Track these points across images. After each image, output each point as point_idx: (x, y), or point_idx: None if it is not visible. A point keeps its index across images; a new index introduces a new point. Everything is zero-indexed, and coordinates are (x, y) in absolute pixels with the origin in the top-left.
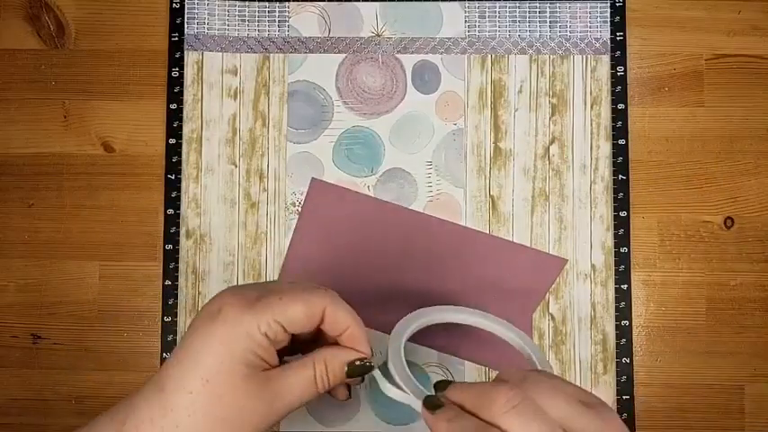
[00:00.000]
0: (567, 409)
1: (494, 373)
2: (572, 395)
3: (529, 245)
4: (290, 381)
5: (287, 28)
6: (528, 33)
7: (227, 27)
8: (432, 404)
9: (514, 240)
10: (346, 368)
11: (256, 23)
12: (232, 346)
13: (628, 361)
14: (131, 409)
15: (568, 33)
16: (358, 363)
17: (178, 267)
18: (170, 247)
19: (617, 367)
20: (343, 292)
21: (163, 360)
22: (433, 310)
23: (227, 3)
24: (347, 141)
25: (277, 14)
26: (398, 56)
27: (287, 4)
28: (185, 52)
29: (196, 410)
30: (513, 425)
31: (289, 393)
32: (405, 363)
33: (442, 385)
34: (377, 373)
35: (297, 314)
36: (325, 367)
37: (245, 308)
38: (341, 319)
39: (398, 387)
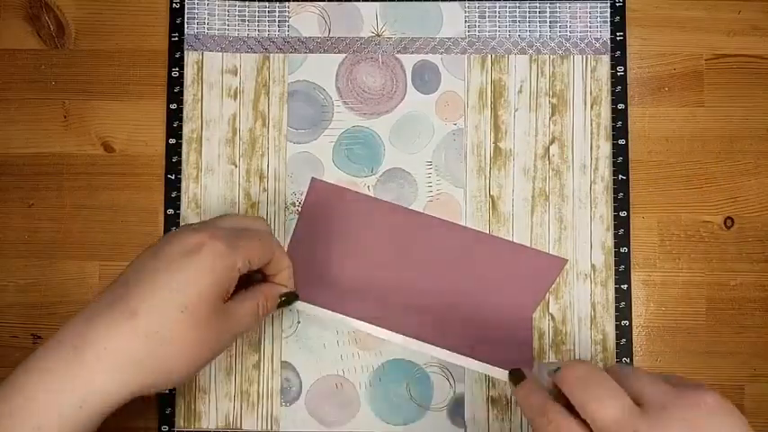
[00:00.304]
0: (642, 380)
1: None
2: (652, 374)
3: (529, 245)
4: (240, 312)
5: (287, 28)
6: (528, 33)
7: (227, 27)
8: (515, 377)
9: (514, 240)
10: (279, 299)
11: (256, 23)
12: (215, 278)
13: (628, 361)
14: (92, 333)
15: (568, 33)
16: (289, 297)
17: None
18: None
19: None
20: (344, 292)
21: None
22: None
23: (227, 3)
24: (347, 141)
25: (277, 14)
26: (398, 56)
27: (287, 4)
28: (185, 52)
29: (172, 338)
30: (582, 397)
31: (238, 323)
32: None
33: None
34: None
35: (264, 257)
36: (265, 300)
37: (226, 245)
38: (282, 261)
39: None
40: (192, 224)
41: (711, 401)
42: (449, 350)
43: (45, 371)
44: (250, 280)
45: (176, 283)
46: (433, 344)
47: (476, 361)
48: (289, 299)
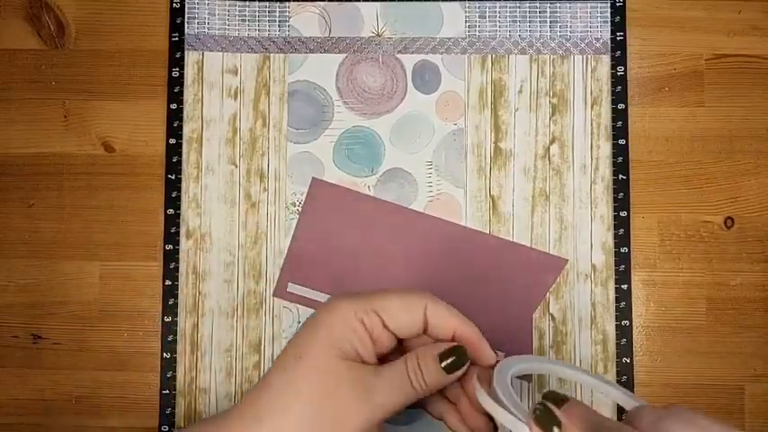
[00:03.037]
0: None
1: None
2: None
3: (529, 245)
4: (382, 377)
5: (287, 28)
6: (528, 33)
7: (227, 27)
8: (546, 421)
9: (515, 240)
10: (438, 359)
11: (257, 23)
12: (330, 330)
13: (628, 361)
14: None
15: (569, 33)
16: (452, 356)
17: (178, 267)
18: (170, 247)
19: (617, 367)
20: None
21: (163, 360)
22: (543, 360)
23: (227, 3)
24: (347, 141)
25: (277, 14)
26: (399, 56)
27: (287, 4)
28: (185, 52)
29: (299, 410)
30: None
31: (383, 391)
32: (511, 389)
33: (552, 397)
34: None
35: (394, 306)
36: (416, 360)
37: (345, 297)
38: (444, 318)
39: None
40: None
41: None
42: None
43: None
44: None
45: (292, 374)
46: None
47: None
48: (456, 356)
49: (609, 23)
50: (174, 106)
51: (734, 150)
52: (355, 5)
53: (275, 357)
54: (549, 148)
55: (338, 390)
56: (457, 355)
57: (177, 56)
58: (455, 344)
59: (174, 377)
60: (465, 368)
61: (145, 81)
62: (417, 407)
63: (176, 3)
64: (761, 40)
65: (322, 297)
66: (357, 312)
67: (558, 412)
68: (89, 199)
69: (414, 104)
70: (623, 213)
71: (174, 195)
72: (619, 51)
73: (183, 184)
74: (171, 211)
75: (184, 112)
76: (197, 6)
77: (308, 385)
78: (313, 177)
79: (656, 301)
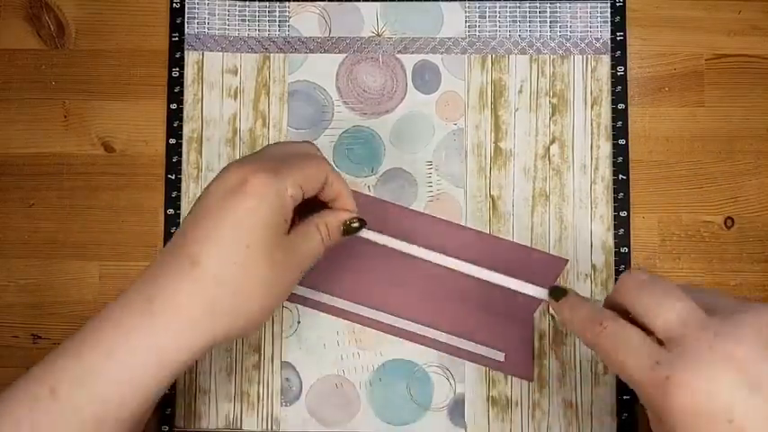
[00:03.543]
0: (710, 292)
1: (494, 373)
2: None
3: (529, 245)
4: (303, 243)
5: (287, 28)
6: (528, 33)
7: (227, 27)
8: (557, 292)
9: (515, 240)
10: (342, 227)
11: (257, 23)
12: (267, 209)
13: None
14: (157, 287)
15: (569, 33)
16: (353, 223)
17: None
18: None
19: None
20: (343, 292)
21: None
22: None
23: (227, 3)
24: (347, 141)
25: (277, 14)
26: (399, 56)
27: (287, 4)
28: (185, 52)
29: (238, 280)
30: (644, 302)
31: (303, 255)
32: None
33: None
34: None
35: (316, 180)
36: (327, 228)
37: (270, 174)
38: (337, 184)
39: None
40: (238, 159)
41: None
42: (447, 352)
43: (119, 327)
44: (312, 212)
45: (229, 222)
46: (431, 346)
47: (477, 344)
48: (352, 225)
49: (609, 23)
50: (174, 106)
51: (734, 150)
52: (355, 5)
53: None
54: (549, 148)
55: (278, 266)
56: (357, 228)
57: (177, 56)
58: (355, 216)
59: None
60: (357, 233)
61: (145, 81)
62: None
63: (176, 3)
64: (761, 40)
65: (322, 297)
66: (288, 189)
67: (566, 288)
68: (89, 199)
69: (414, 104)
70: (623, 213)
71: (174, 195)
72: (619, 51)
73: (183, 184)
74: (171, 211)
75: (184, 112)
76: (197, 6)
77: (259, 274)
78: None
79: None
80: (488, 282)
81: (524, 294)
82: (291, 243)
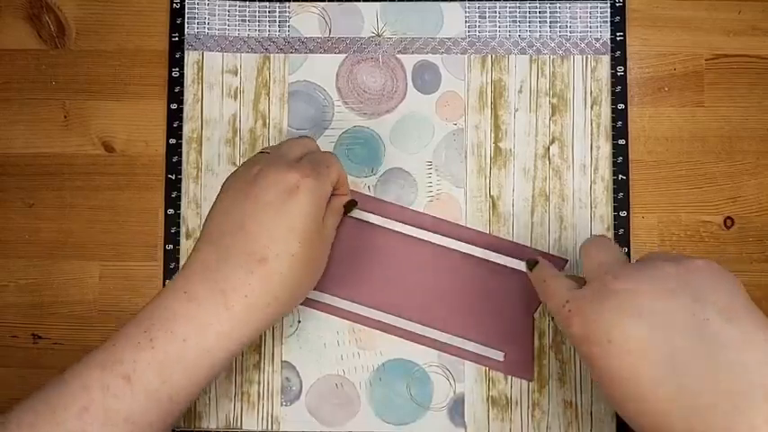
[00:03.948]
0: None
1: (494, 373)
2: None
3: (529, 245)
4: (329, 227)
5: (287, 28)
6: (528, 33)
7: (227, 27)
8: (530, 263)
9: (515, 240)
10: (343, 208)
11: (257, 23)
12: (316, 210)
13: None
14: (227, 281)
15: (568, 33)
16: (351, 204)
17: (178, 267)
18: (170, 247)
19: None
20: (344, 292)
21: None
22: None
23: (227, 3)
24: (347, 141)
25: (277, 14)
26: (399, 56)
27: (287, 4)
28: (185, 52)
29: (297, 271)
30: (585, 252)
31: (329, 237)
32: None
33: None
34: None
35: (339, 174)
36: (336, 211)
37: (315, 178)
38: (343, 177)
39: None
40: (262, 156)
41: (702, 263)
42: (447, 352)
43: (194, 319)
44: None
45: (287, 222)
46: (431, 346)
47: (477, 344)
48: (350, 206)
49: (609, 23)
50: (174, 106)
51: (734, 150)
52: (355, 5)
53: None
54: (548, 148)
55: (320, 251)
56: (352, 205)
57: (177, 56)
58: (351, 198)
59: None
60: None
61: (145, 81)
62: None
63: (176, 3)
64: (761, 40)
65: (322, 297)
66: (328, 191)
67: (538, 259)
68: (89, 199)
69: (414, 104)
70: (623, 213)
71: (174, 195)
72: (619, 51)
73: (183, 184)
74: (171, 211)
75: (184, 112)
76: (197, 6)
77: (312, 263)
78: None
79: None
80: (486, 282)
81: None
82: (323, 227)
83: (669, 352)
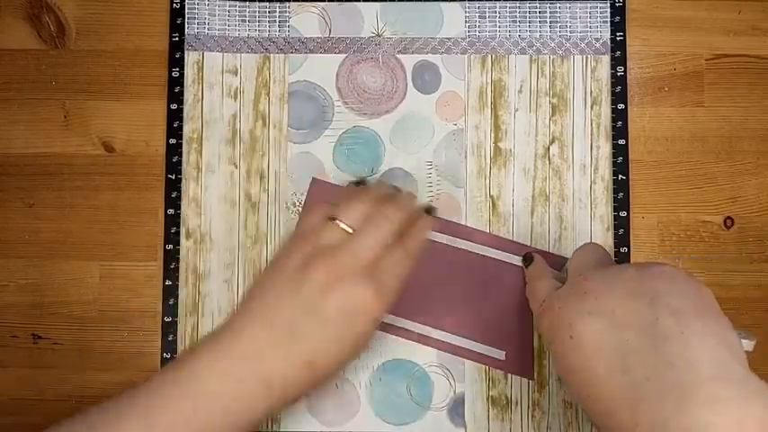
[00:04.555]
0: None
1: (494, 373)
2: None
3: (529, 245)
4: None
5: (287, 28)
6: (528, 33)
7: (227, 27)
8: (527, 259)
9: (515, 240)
10: None
11: (257, 23)
12: (374, 327)
13: None
14: (273, 370)
15: (568, 33)
16: None
17: (178, 267)
18: (170, 247)
19: None
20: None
21: (163, 360)
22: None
23: (227, 3)
24: (347, 141)
25: (277, 14)
26: (399, 56)
27: (287, 4)
28: (185, 52)
29: (338, 371)
30: (577, 253)
31: None
32: None
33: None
34: None
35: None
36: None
37: (388, 304)
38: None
39: None
40: (337, 243)
41: (666, 269)
42: (447, 351)
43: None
44: None
45: (349, 344)
46: (431, 345)
47: (478, 343)
48: None
49: (609, 23)
50: (174, 106)
51: (734, 150)
52: (355, 5)
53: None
54: (548, 148)
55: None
56: None
57: (177, 56)
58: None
59: None
60: None
61: (145, 81)
62: None
63: (176, 3)
64: (761, 40)
65: None
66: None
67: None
68: (89, 199)
69: (414, 104)
70: (623, 213)
71: (174, 195)
72: (619, 51)
73: (183, 184)
74: (171, 211)
75: (184, 112)
76: (197, 6)
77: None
78: (313, 177)
79: None
80: (486, 282)
81: (522, 293)
82: None
83: (621, 347)
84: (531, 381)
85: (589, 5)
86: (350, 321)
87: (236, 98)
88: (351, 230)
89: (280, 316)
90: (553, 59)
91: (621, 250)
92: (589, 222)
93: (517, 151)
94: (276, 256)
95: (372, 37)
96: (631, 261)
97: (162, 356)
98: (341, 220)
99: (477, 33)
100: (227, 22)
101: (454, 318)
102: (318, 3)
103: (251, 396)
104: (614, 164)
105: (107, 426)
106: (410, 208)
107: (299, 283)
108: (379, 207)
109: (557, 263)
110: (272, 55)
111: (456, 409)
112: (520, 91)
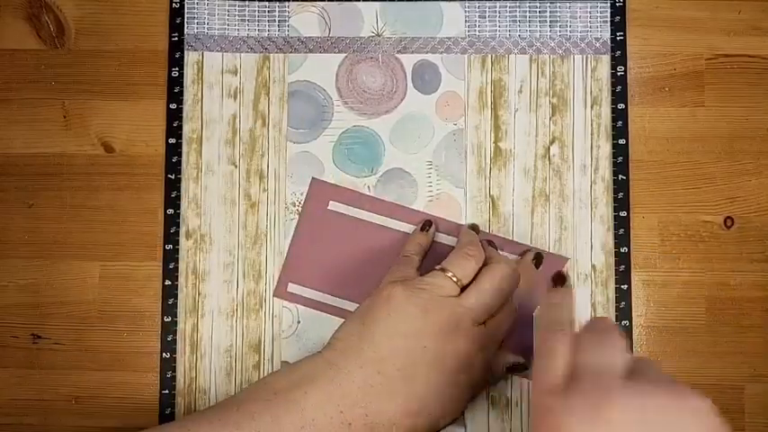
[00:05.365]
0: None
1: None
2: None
3: (529, 245)
4: None
5: (287, 28)
6: (528, 33)
7: (227, 27)
8: (560, 279)
9: (515, 240)
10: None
11: (256, 23)
12: None
13: None
14: (377, 415)
15: (568, 33)
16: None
17: (178, 267)
18: (170, 247)
19: None
20: (344, 292)
21: (162, 360)
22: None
23: (227, 3)
24: (347, 141)
25: (277, 14)
26: (398, 56)
27: (287, 3)
28: (185, 52)
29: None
30: (588, 339)
31: None
32: None
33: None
34: None
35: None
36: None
37: (490, 363)
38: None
39: None
40: (471, 307)
41: (702, 406)
42: None
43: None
44: None
45: (458, 397)
46: None
47: None
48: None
49: (609, 23)
50: (173, 106)
51: (734, 150)
52: (355, 5)
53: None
54: (549, 148)
55: None
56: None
57: (177, 56)
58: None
59: (173, 377)
60: None
61: (145, 81)
62: None
63: (176, 3)
64: (761, 40)
65: (322, 297)
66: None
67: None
68: (89, 199)
69: (414, 104)
70: (623, 213)
71: (173, 195)
72: (619, 51)
73: (183, 184)
74: (171, 211)
75: (184, 112)
76: (197, 6)
77: None
78: (313, 177)
79: (656, 301)
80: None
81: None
82: None
83: None
84: (531, 381)
85: (589, 5)
86: (464, 372)
87: (235, 98)
88: (460, 283)
89: (393, 366)
90: (553, 59)
91: (621, 250)
92: (589, 222)
93: (517, 151)
94: (386, 293)
95: (372, 36)
96: (631, 261)
97: (161, 356)
98: (453, 274)
99: (477, 33)
100: (227, 22)
101: None
102: (318, 2)
103: None
104: (614, 164)
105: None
106: (523, 267)
107: (418, 329)
108: (493, 264)
109: (557, 263)
110: (271, 55)
111: None
112: (520, 91)
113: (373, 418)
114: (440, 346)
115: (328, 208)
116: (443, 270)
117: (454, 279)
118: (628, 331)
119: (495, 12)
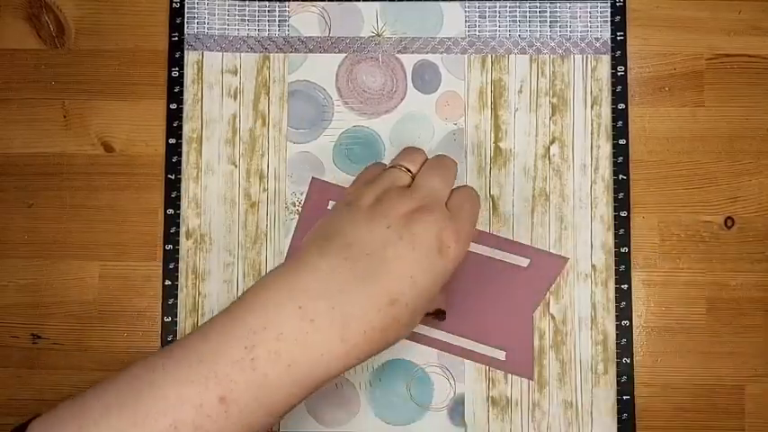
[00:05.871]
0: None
1: (494, 373)
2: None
3: (529, 245)
4: None
5: (287, 28)
6: (528, 33)
7: (227, 27)
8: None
9: (515, 239)
10: None
11: (256, 23)
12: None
13: (628, 361)
14: (353, 308)
15: (569, 33)
16: None
17: (178, 267)
18: (170, 247)
19: (617, 367)
20: None
21: None
22: None
23: (227, 2)
24: (347, 141)
25: (277, 14)
26: (399, 56)
27: (287, 3)
28: (185, 52)
29: (411, 324)
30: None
31: None
32: None
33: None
34: None
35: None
36: None
37: (467, 245)
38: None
39: None
40: (424, 181)
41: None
42: (447, 351)
43: (308, 348)
44: None
45: (432, 281)
46: (431, 345)
47: (478, 343)
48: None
49: (609, 23)
50: (173, 106)
51: (734, 150)
52: (355, 5)
53: None
54: (549, 148)
55: None
56: None
57: (177, 56)
58: None
59: None
60: None
61: (145, 81)
62: None
63: (176, 3)
64: (761, 40)
65: None
66: None
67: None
68: (89, 199)
69: (414, 104)
70: (623, 213)
71: (173, 195)
72: (619, 51)
73: (183, 184)
74: (171, 211)
75: (184, 112)
76: (197, 6)
77: None
78: (313, 177)
79: (656, 301)
80: (486, 281)
81: (522, 293)
82: None
83: None
84: (531, 381)
85: (589, 5)
86: (435, 253)
87: (235, 98)
88: (415, 173)
89: (360, 251)
90: (553, 59)
91: (621, 250)
92: (589, 222)
93: (517, 151)
94: (344, 201)
95: (372, 36)
96: (631, 261)
97: None
98: (403, 166)
99: (477, 33)
100: (227, 22)
101: (454, 318)
102: (318, 2)
103: (324, 342)
104: (614, 164)
105: (167, 372)
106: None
107: (379, 216)
108: (434, 157)
109: (557, 263)
110: (271, 54)
111: (456, 409)
112: (520, 91)
113: (341, 309)
114: (404, 222)
115: (328, 208)
116: (393, 167)
117: (403, 169)
118: (628, 331)
119: (495, 12)
